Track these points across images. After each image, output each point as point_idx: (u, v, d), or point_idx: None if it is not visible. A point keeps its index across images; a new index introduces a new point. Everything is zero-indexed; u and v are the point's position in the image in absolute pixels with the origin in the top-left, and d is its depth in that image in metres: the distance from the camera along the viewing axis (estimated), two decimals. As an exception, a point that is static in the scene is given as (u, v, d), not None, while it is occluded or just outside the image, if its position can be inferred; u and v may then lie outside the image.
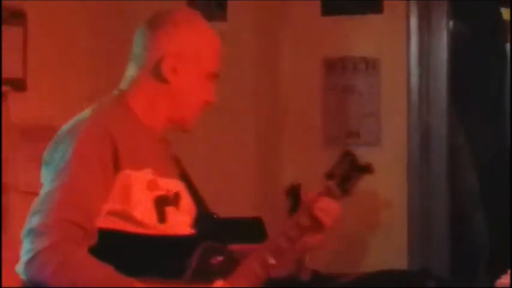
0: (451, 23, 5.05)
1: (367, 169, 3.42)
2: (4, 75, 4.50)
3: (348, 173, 3.35)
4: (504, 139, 6.05)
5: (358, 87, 5.01)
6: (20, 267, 2.93)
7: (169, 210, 3.11)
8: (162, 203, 3.09)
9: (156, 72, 3.15)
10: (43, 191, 3.00)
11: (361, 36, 5.02)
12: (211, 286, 3.12)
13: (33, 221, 2.91)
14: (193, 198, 3.25)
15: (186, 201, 3.18)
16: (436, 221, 4.90)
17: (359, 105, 5.00)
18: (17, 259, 4.05)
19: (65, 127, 3.10)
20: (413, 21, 4.98)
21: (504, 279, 3.26)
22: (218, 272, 3.18)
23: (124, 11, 5.19)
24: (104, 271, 2.93)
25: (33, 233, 2.90)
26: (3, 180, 4.48)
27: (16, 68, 4.59)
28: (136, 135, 3.11)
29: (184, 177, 3.27)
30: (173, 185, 3.16)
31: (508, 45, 6.24)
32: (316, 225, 3.24)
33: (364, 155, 4.89)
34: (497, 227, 4.91)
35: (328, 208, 3.25)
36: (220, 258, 3.19)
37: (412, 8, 4.98)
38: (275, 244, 3.20)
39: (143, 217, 3.03)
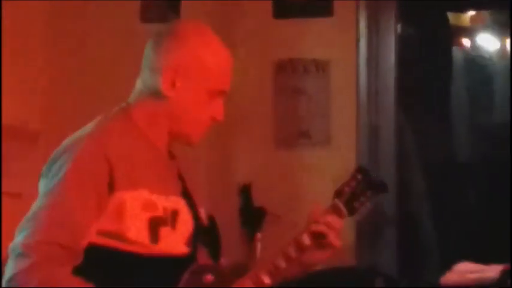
0: (399, 26, 5.09)
1: (381, 187, 3.41)
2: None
3: (357, 192, 3.33)
4: (449, 139, 6.12)
5: (308, 88, 5.01)
6: (2, 284, 2.93)
7: (164, 230, 3.07)
8: (156, 224, 3.06)
9: (158, 87, 3.12)
10: (34, 206, 2.99)
11: (311, 38, 5.02)
12: None
13: (18, 238, 2.93)
14: (192, 213, 3.21)
15: (184, 218, 3.16)
16: (386, 206, 4.94)
17: (309, 106, 5.00)
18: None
19: (66, 141, 3.09)
20: (362, 24, 4.99)
21: (449, 276, 3.29)
22: None
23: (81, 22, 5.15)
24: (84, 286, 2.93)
25: (15, 252, 2.92)
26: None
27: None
28: (137, 150, 3.09)
29: (186, 193, 3.23)
30: (172, 202, 3.13)
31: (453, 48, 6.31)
32: (318, 243, 3.24)
33: (314, 155, 4.98)
34: (445, 226, 4.95)
35: (334, 225, 3.21)
36: (211, 277, 3.19)
37: (361, 12, 4.99)
38: (272, 264, 3.20)
39: (136, 237, 3.02)
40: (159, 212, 3.07)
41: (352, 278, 4.56)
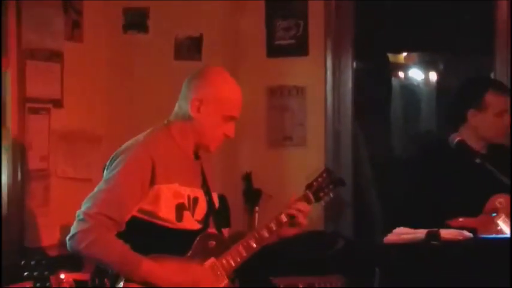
0: (354, 63, 5.07)
1: (340, 182, 3.46)
2: (48, 96, 4.48)
3: (322, 185, 3.37)
4: (388, 141, 6.11)
5: (291, 106, 4.99)
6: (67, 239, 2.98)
7: (186, 213, 3.13)
8: (181, 208, 3.12)
9: (188, 111, 3.13)
10: (98, 186, 3.06)
11: (293, 71, 5.01)
12: (205, 263, 3.16)
13: (82, 208, 3.02)
14: (207, 199, 3.25)
15: (201, 204, 3.20)
16: (344, 197, 4.91)
17: (292, 118, 4.98)
18: (58, 228, 4.06)
19: (125, 144, 3.14)
20: (329, 61, 4.97)
21: (389, 236, 3.27)
22: (212, 252, 3.20)
23: (135, 57, 5.11)
24: (122, 249, 3.00)
25: (79, 217, 2.98)
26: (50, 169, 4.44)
27: (56, 92, 4.56)
28: (172, 155, 3.12)
29: (205, 184, 3.25)
30: (194, 192, 3.18)
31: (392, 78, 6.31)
32: (292, 222, 3.27)
33: (295, 153, 4.98)
34: (387, 203, 4.93)
35: (304, 210, 3.28)
36: (213, 242, 3.21)
37: (328, 52, 4.97)
38: (259, 234, 3.24)
39: (166, 217, 3.08)
40: (184, 200, 3.14)
41: (321, 239, 4.56)
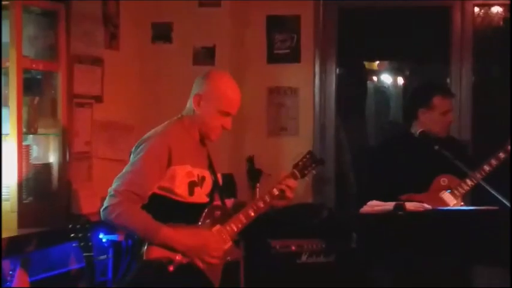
0: (337, 69, 5.06)
1: (321, 162, 3.45)
2: (91, 93, 4.46)
3: (306, 165, 3.35)
4: (364, 132, 6.10)
5: (286, 103, 4.98)
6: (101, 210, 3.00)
7: (196, 189, 3.11)
8: (192, 185, 3.09)
9: (191, 106, 3.11)
10: (125, 168, 3.05)
11: (288, 75, 4.99)
12: (213, 229, 3.15)
13: (113, 185, 3.00)
14: (212, 178, 3.22)
15: (208, 181, 3.18)
16: (328, 172, 4.92)
17: (287, 113, 4.98)
18: (98, 198, 4.05)
19: (147, 134, 3.11)
20: (317, 67, 4.98)
21: (364, 208, 3.27)
22: (218, 220, 3.19)
23: (161, 62, 5.09)
24: (145, 218, 2.98)
25: (110, 193, 2.97)
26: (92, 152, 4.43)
27: (97, 90, 4.54)
28: (185, 142, 3.10)
29: (211, 166, 3.23)
30: (202, 172, 3.15)
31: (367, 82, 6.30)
32: (282, 195, 3.25)
33: (289, 141, 4.97)
34: (362, 180, 4.93)
35: (291, 186, 3.25)
36: (219, 212, 3.20)
37: (316, 60, 4.98)
38: (256, 204, 3.22)
39: (180, 192, 3.06)
40: (195, 178, 3.12)
41: (308, 209, 4.55)
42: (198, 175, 3.14)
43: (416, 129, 3.75)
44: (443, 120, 3.80)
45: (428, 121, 3.79)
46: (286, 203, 3.31)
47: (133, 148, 3.12)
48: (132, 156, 3.10)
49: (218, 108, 3.11)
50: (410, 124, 3.87)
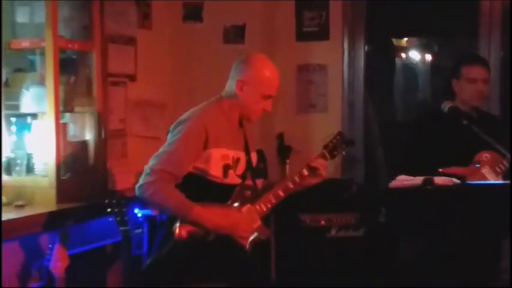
0: (366, 46, 5.01)
1: (351, 143, 3.44)
2: (125, 72, 4.49)
3: (336, 145, 3.34)
4: (392, 108, 6.06)
5: (315, 80, 4.93)
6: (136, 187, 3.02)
7: (230, 171, 3.13)
8: (227, 168, 3.13)
9: (234, 90, 3.10)
10: (162, 147, 3.08)
11: (317, 52, 4.94)
12: (243, 209, 3.18)
13: (150, 162, 3.04)
14: (246, 159, 3.24)
15: (242, 163, 3.20)
16: (357, 150, 4.86)
17: (316, 90, 4.93)
18: (133, 174, 4.09)
19: (185, 114, 3.12)
20: (346, 44, 4.91)
21: (393, 183, 3.25)
22: (248, 200, 3.21)
23: (192, 41, 5.09)
24: (178, 197, 3.02)
25: (146, 171, 3.00)
26: (126, 129, 4.46)
27: (131, 69, 4.57)
28: (222, 124, 3.11)
29: (246, 148, 3.25)
30: (237, 154, 3.17)
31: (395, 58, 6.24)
32: (313, 174, 3.24)
33: (318, 117, 4.96)
34: (391, 157, 4.91)
35: (323, 165, 3.25)
36: (249, 192, 3.22)
37: (345, 37, 4.91)
38: (285, 184, 3.24)
39: (215, 174, 3.10)
40: (229, 161, 3.15)
41: (337, 184, 4.54)
42: (233, 157, 3.16)
43: (445, 105, 3.70)
44: (472, 88, 3.74)
45: (459, 91, 3.77)
46: (317, 181, 3.31)
47: (171, 127, 3.15)
48: (169, 135, 3.13)
49: (261, 92, 3.13)
50: (449, 99, 3.79)
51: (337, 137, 3.38)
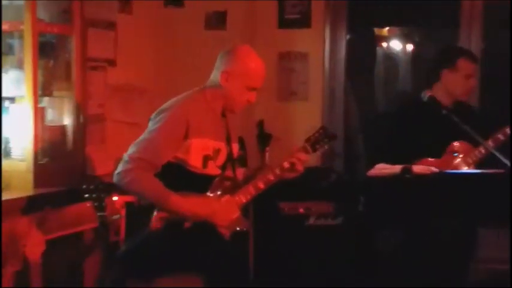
0: (347, 35, 5.02)
1: (333, 137, 3.43)
2: (104, 57, 4.45)
3: (319, 139, 3.32)
4: (372, 98, 6.07)
5: (296, 68, 4.94)
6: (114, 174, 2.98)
7: (210, 162, 3.12)
8: (206, 158, 3.11)
9: (219, 80, 3.07)
10: (143, 135, 3.06)
11: (299, 40, 4.94)
12: (222, 199, 3.17)
13: (129, 150, 3.02)
14: (228, 150, 3.22)
15: (223, 154, 3.18)
16: (337, 140, 4.84)
17: (297, 78, 4.94)
18: (112, 160, 4.05)
19: (167, 103, 3.09)
20: (327, 33, 4.93)
21: (372, 171, 3.27)
22: (228, 190, 3.20)
23: (173, 26, 5.06)
24: (156, 185, 2.99)
25: (125, 158, 2.97)
26: (105, 114, 4.43)
27: (110, 54, 4.53)
28: (204, 114, 3.08)
29: (228, 138, 3.23)
30: (218, 145, 3.15)
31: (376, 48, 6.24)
32: (292, 168, 3.24)
33: (299, 105, 4.96)
34: (370, 146, 4.92)
35: (302, 159, 3.23)
36: (229, 183, 3.20)
37: (326, 25, 4.92)
38: (266, 177, 3.22)
39: (195, 164, 3.08)
40: (210, 152, 3.13)
41: (318, 172, 4.55)
42: (213, 148, 3.15)
43: (425, 94, 3.69)
44: (466, 84, 3.74)
45: (451, 82, 3.75)
46: (295, 175, 3.31)
47: (153, 115, 3.12)
48: (150, 123, 3.11)
49: (246, 84, 3.12)
50: (430, 87, 3.78)
51: (320, 131, 3.38)
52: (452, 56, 3.77)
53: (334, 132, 3.62)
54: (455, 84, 3.74)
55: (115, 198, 3.98)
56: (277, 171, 3.26)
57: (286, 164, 3.26)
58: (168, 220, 3.04)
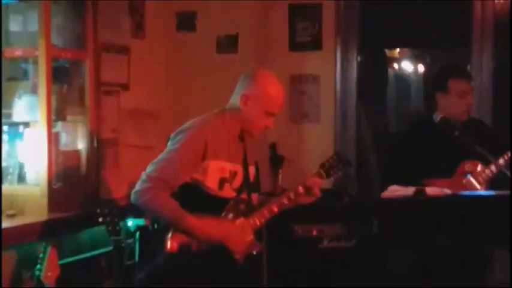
0: (358, 57, 5.02)
1: (347, 163, 3.43)
2: (118, 81, 4.48)
3: (333, 165, 3.32)
4: (384, 119, 6.06)
5: (308, 90, 4.94)
6: (132, 193, 3.00)
7: (226, 185, 3.13)
8: (223, 181, 3.12)
9: (238, 104, 3.09)
10: (161, 155, 3.07)
11: (310, 62, 4.94)
12: (236, 222, 3.17)
13: (147, 169, 3.03)
14: (244, 173, 3.23)
15: (239, 177, 3.19)
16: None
17: (309, 100, 4.93)
18: (126, 184, 4.06)
19: (187, 124, 3.12)
20: (338, 55, 4.92)
21: (385, 193, 3.25)
22: (242, 213, 3.21)
23: (186, 50, 5.09)
24: (173, 205, 3.01)
25: (143, 178, 2.99)
26: (119, 138, 4.45)
27: (124, 78, 4.56)
28: (223, 137, 3.11)
29: (245, 161, 3.24)
30: (235, 168, 3.17)
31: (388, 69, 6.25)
32: (308, 192, 3.24)
33: (310, 127, 4.95)
34: (383, 166, 4.90)
35: (317, 183, 3.24)
36: (243, 206, 3.21)
37: (337, 47, 4.92)
38: (280, 201, 3.23)
39: (211, 186, 3.08)
40: (226, 174, 3.15)
41: (331, 194, 4.52)
42: (230, 171, 3.16)
43: (437, 116, 3.71)
44: (461, 103, 3.74)
45: (447, 105, 3.75)
46: (311, 201, 3.31)
47: (172, 135, 3.14)
48: (169, 143, 3.13)
49: (265, 109, 3.14)
50: (433, 111, 3.81)
51: (334, 157, 3.39)
52: (442, 79, 3.78)
53: (348, 158, 3.62)
54: (451, 106, 3.74)
55: (129, 222, 4.00)
56: (292, 196, 3.26)
57: (300, 189, 3.26)
58: (183, 245, 3.03)
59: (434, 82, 3.87)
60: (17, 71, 3.99)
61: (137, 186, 3.01)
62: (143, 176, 3.02)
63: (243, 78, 3.20)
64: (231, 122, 3.17)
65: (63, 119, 4.03)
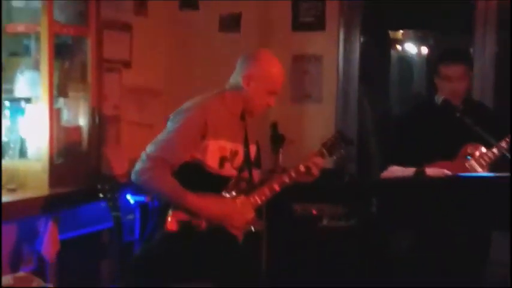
0: (361, 38, 5.00)
1: (349, 142, 3.43)
2: (120, 58, 4.47)
3: (335, 144, 3.32)
4: (386, 100, 6.05)
5: (310, 70, 4.91)
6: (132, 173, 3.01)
7: (226, 163, 3.14)
8: (223, 160, 3.13)
9: (240, 83, 3.09)
10: (161, 134, 3.08)
11: (313, 42, 4.92)
12: (237, 200, 3.18)
13: (147, 149, 3.03)
14: (244, 152, 3.25)
15: (240, 156, 3.21)
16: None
17: (311, 80, 4.91)
18: (127, 161, 4.06)
19: (187, 103, 3.12)
20: (341, 35, 4.89)
21: (385, 173, 3.26)
22: (243, 191, 3.21)
23: (188, 29, 5.07)
24: (173, 184, 3.01)
25: (143, 157, 3.00)
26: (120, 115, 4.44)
27: (126, 56, 4.55)
28: (223, 117, 3.11)
29: (245, 140, 3.26)
30: (235, 147, 3.18)
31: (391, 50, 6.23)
32: (308, 172, 3.25)
33: (312, 107, 4.94)
34: (383, 148, 4.90)
35: (318, 164, 3.25)
36: (245, 184, 3.21)
37: (340, 28, 4.89)
38: (281, 179, 3.23)
39: (211, 164, 3.09)
40: (226, 153, 3.16)
41: (332, 174, 4.53)
42: (231, 150, 3.18)
43: (439, 98, 3.70)
44: (450, 88, 3.73)
45: (442, 89, 3.76)
46: (310, 180, 3.31)
47: (172, 115, 3.15)
48: (169, 123, 3.13)
49: (268, 88, 3.16)
50: (435, 93, 3.80)
51: (336, 135, 3.39)
52: (436, 65, 3.78)
53: (350, 137, 3.61)
54: (445, 91, 3.72)
55: (129, 198, 4.02)
56: (293, 174, 3.27)
57: (302, 168, 3.27)
58: (184, 223, 3.04)
59: (433, 68, 3.87)
60: (19, 46, 3.98)
61: (137, 166, 3.02)
62: (143, 156, 3.03)
63: (243, 58, 3.20)
64: (232, 102, 3.18)
65: (65, 96, 4.03)
